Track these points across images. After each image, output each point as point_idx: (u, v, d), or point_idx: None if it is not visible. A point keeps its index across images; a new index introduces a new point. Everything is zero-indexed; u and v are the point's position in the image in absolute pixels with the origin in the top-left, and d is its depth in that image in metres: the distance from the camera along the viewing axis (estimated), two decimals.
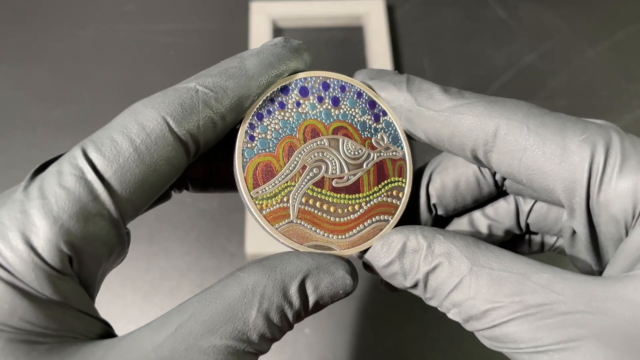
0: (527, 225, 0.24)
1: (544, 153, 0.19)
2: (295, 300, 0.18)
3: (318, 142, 0.21)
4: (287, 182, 0.20)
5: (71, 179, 0.17)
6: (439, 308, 0.20)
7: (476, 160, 0.21)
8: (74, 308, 0.17)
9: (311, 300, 0.19)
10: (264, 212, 0.20)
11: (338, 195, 0.21)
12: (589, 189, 0.18)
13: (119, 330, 0.18)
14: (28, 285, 0.16)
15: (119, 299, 0.44)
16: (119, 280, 0.45)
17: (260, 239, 0.45)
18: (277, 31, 0.58)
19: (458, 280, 0.18)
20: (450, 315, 0.19)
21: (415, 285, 0.20)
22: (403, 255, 0.19)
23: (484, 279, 0.18)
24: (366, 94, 0.22)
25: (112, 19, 0.59)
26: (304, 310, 0.19)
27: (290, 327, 0.18)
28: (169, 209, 0.48)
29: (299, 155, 0.21)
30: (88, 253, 0.17)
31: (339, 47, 0.58)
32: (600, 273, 0.21)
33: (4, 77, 0.55)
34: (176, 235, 0.47)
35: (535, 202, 0.23)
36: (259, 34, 0.55)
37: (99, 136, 0.18)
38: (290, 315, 0.18)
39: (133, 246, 0.49)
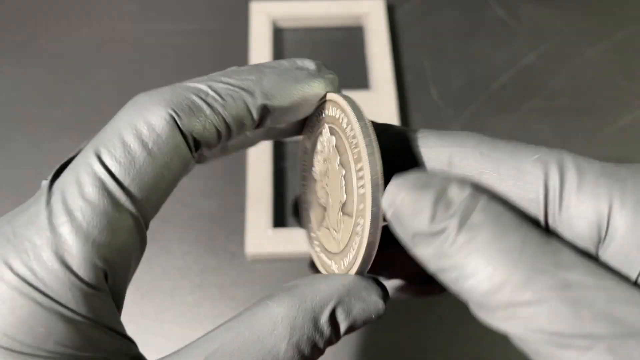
0: None
1: (500, 175, 0.17)
2: (327, 330, 0.18)
3: None
4: None
5: (93, 190, 0.16)
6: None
7: None
8: (105, 327, 0.16)
9: (343, 327, 0.18)
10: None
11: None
12: (546, 207, 0.17)
13: None
14: (64, 305, 0.15)
15: None
16: None
17: (260, 238, 0.45)
18: (277, 31, 0.58)
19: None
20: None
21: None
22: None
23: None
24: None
25: (112, 19, 0.59)
26: (335, 337, 0.18)
27: (322, 353, 0.18)
28: (169, 209, 0.48)
29: None
30: (119, 264, 0.17)
31: (339, 47, 0.58)
32: None
33: (4, 77, 0.55)
34: (176, 235, 0.47)
35: None
36: (259, 34, 0.55)
37: (110, 139, 0.17)
38: (321, 345, 0.18)
39: None
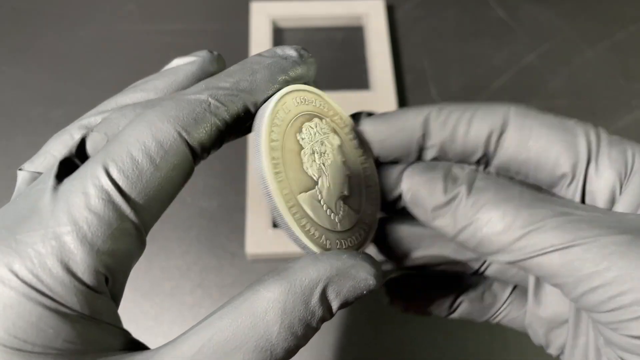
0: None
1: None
2: (319, 310, 0.18)
3: None
4: None
5: (99, 202, 0.17)
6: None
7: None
8: (105, 322, 0.17)
9: (334, 305, 0.18)
10: None
11: None
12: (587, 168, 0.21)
13: None
14: (70, 308, 0.16)
15: None
16: None
17: (260, 238, 0.45)
18: (277, 31, 0.58)
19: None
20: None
21: None
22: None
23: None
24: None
25: (112, 19, 0.59)
26: (329, 315, 0.18)
27: (316, 331, 0.18)
28: (169, 208, 0.48)
29: None
30: (119, 269, 0.18)
31: (339, 47, 0.58)
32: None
33: (4, 77, 0.55)
34: (176, 235, 0.47)
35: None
36: (259, 34, 0.55)
37: (119, 154, 0.18)
38: (314, 324, 0.18)
39: None
